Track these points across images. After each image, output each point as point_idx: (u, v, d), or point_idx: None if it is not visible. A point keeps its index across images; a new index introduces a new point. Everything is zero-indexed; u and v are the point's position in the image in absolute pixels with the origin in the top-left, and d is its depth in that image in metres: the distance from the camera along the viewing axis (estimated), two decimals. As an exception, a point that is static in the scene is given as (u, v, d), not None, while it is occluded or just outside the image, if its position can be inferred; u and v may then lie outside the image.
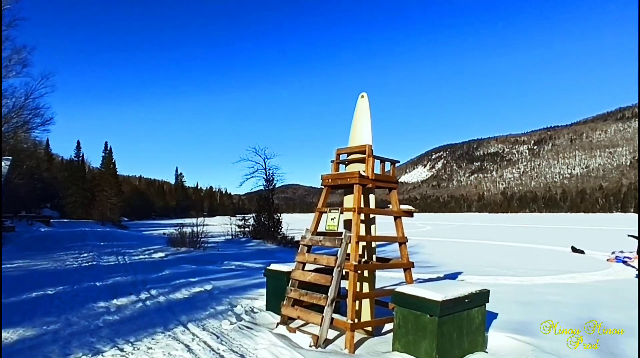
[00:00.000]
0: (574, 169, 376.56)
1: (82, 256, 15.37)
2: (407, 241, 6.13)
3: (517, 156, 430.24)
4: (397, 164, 6.34)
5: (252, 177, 27.87)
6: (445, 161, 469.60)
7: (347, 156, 6.37)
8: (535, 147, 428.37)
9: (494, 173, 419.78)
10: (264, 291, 7.13)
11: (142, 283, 8.91)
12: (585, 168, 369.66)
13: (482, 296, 5.10)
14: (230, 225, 28.66)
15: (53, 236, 27.22)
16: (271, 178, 27.94)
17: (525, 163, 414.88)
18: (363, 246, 6.01)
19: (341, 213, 5.86)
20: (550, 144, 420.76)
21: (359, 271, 5.60)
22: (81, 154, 77.95)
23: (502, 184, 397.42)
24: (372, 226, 6.14)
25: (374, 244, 6.15)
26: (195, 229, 20.43)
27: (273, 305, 6.62)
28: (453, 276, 12.33)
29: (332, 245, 5.51)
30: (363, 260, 5.96)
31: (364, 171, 5.78)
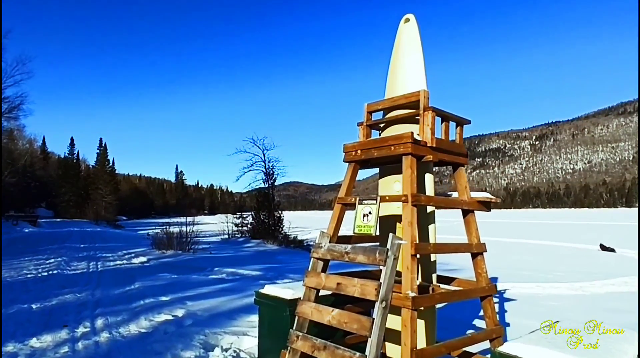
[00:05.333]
0: (576, 165, 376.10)
1: (48, 262, 13.05)
2: (485, 251, 3.78)
3: (519, 151, 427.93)
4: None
5: (250, 170, 25.39)
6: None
7: (385, 115, 4.01)
8: (537, 142, 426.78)
9: (495, 168, 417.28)
10: (257, 318, 4.77)
11: (93, 306, 6.54)
12: (588, 163, 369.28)
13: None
14: (227, 223, 26.18)
15: (33, 237, 24.89)
16: (271, 172, 25.46)
17: (527, 159, 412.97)
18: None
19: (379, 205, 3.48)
20: (552, 140, 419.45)
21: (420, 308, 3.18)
22: (75, 152, 75.47)
23: (504, 180, 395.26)
24: (431, 228, 3.76)
25: (433, 257, 3.77)
26: (184, 229, 18.01)
27: (269, 348, 4.27)
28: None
29: (368, 260, 3.13)
30: (417, 282, 3.59)
31: (418, 134, 3.42)
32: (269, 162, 25.40)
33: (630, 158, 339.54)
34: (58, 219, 57.07)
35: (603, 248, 19.71)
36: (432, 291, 3.49)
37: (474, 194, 3.87)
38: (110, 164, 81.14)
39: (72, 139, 75.38)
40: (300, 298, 3.63)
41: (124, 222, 64.79)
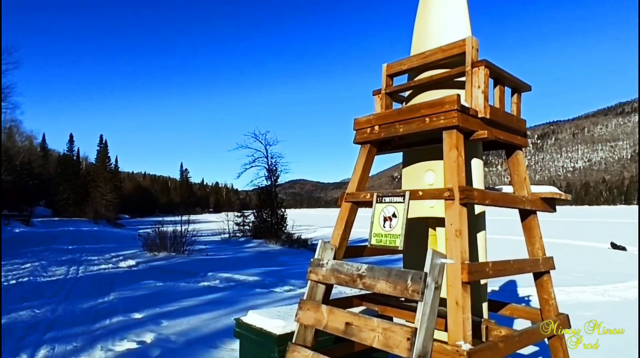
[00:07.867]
0: (577, 163, 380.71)
1: (23, 267, 11.94)
2: (554, 268, 2.68)
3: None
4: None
5: (252, 167, 24.18)
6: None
7: (412, 77, 2.91)
8: (538, 141, 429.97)
9: (498, 166, 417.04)
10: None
11: (46, 328, 5.39)
12: (588, 161, 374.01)
13: None
14: (227, 221, 24.93)
15: (20, 238, 23.75)
16: (274, 168, 24.26)
17: (529, 157, 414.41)
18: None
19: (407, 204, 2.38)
20: (553, 139, 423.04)
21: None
22: (75, 149, 74.52)
23: (506, 177, 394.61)
24: (480, 237, 2.65)
25: (483, 281, 2.66)
26: (179, 228, 16.77)
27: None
28: (510, 288, 9.01)
29: (393, 290, 2.03)
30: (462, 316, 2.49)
31: (465, 101, 2.32)
32: (271, 158, 24.27)
33: (629, 157, 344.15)
34: (56, 218, 55.89)
35: (614, 246, 18.88)
36: (487, 331, 2.38)
37: (535, 189, 2.76)
38: (112, 162, 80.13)
39: (71, 136, 74.52)
40: (293, 333, 2.54)
41: (125, 221, 63.55)
